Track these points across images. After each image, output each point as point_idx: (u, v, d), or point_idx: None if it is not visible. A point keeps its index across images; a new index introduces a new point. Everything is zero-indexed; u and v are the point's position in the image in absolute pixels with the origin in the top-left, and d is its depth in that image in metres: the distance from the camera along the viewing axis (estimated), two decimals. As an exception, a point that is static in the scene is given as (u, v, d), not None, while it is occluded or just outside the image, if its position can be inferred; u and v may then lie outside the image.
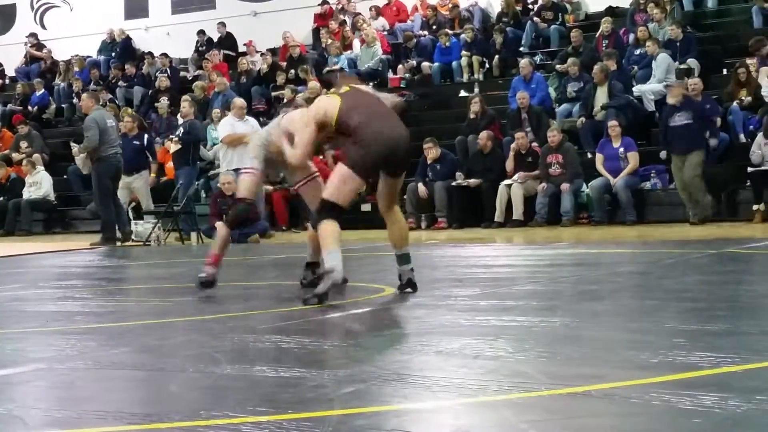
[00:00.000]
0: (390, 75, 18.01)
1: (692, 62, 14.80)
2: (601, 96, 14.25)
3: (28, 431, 2.93)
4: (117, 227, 13.17)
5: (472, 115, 14.95)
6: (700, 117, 12.57)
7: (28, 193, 17.29)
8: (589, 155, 13.80)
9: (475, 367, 3.60)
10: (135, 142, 14.43)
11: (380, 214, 5.86)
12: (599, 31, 16.28)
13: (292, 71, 17.96)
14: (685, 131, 12.44)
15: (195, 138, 14.74)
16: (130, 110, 18.09)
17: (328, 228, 5.33)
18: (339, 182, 5.44)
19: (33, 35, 23.94)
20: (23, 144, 18.55)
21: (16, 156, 18.48)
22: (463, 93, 16.70)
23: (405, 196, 13.96)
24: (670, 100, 12.86)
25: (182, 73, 20.71)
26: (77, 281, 8.22)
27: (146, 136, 14.95)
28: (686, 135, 12.41)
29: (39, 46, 23.79)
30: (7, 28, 25.02)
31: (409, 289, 5.66)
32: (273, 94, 17.65)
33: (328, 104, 5.64)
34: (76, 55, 22.44)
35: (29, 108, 21.10)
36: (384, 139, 5.45)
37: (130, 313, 5.85)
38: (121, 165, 13.15)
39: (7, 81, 23.90)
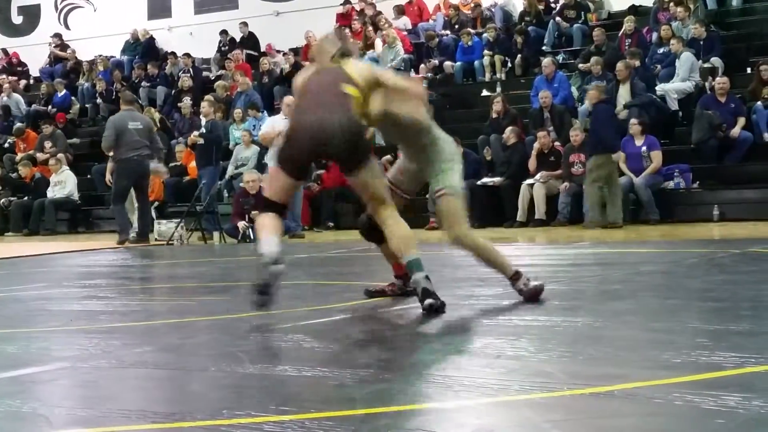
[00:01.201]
0: (412, 74, 18.01)
1: (716, 61, 14.74)
2: (624, 95, 14.20)
3: (53, 430, 2.95)
4: (131, 228, 13.26)
5: (494, 115, 14.95)
6: (604, 121, 12.67)
7: (53, 192, 17.40)
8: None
9: (497, 366, 3.60)
10: None
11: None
12: (622, 29, 16.23)
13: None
14: (592, 134, 12.74)
15: (216, 138, 14.81)
16: (153, 110, 18.19)
17: (259, 220, 5.17)
18: (269, 177, 5.38)
19: (57, 35, 24.08)
20: (47, 144, 18.67)
21: (40, 156, 18.61)
22: (485, 92, 16.69)
23: (427, 196, 13.93)
24: (586, 103, 13.02)
25: (205, 73, 20.78)
26: (101, 280, 8.26)
27: None
28: (593, 138, 12.69)
29: (63, 46, 23.92)
30: (31, 29, 25.17)
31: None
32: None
33: (299, 78, 5.38)
34: (100, 56, 22.55)
35: (51, 108, 21.21)
36: (305, 129, 5.01)
37: (154, 312, 5.88)
38: (145, 166, 13.14)
39: (31, 81, 24.04)
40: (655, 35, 15.89)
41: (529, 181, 13.53)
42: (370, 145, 5.24)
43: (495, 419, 2.88)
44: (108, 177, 13.56)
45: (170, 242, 12.95)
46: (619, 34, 16.27)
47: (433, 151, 5.34)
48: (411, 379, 3.51)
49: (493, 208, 13.74)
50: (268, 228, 5.07)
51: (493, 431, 2.69)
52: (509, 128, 14.09)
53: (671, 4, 16.26)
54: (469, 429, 2.69)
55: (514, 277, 5.31)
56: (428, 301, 4.84)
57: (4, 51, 24.56)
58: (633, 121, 13.27)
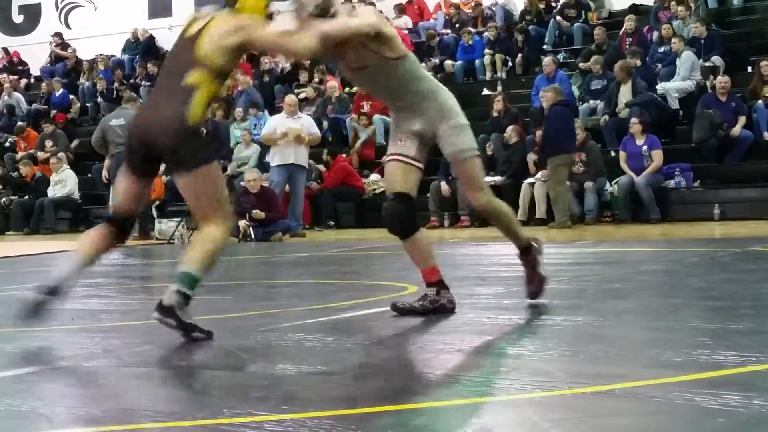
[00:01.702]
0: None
1: (717, 60, 14.74)
2: (625, 94, 14.20)
3: (54, 429, 2.95)
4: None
5: (495, 114, 14.94)
6: (560, 123, 12.73)
7: (53, 191, 17.40)
8: (613, 153, 13.75)
9: (498, 365, 3.60)
10: None
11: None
12: (623, 28, 16.23)
13: (315, 69, 17.99)
14: (548, 136, 12.79)
15: (218, 137, 14.82)
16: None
17: (84, 234, 4.79)
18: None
19: (58, 35, 24.07)
20: (48, 143, 18.67)
21: (41, 155, 18.61)
22: (485, 91, 16.68)
23: (428, 195, 13.96)
24: (544, 104, 13.14)
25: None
26: (102, 279, 8.26)
27: None
28: (549, 140, 12.76)
29: (63, 45, 23.91)
30: (32, 28, 25.16)
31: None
32: (296, 92, 17.68)
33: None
34: (101, 55, 22.55)
35: (52, 107, 21.21)
36: (132, 124, 4.69)
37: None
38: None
39: (32, 80, 24.04)
40: (656, 34, 15.89)
41: (530, 180, 13.53)
42: (205, 149, 4.55)
43: (496, 418, 2.88)
44: (104, 174, 13.67)
45: (171, 241, 12.95)
46: (620, 33, 16.26)
47: (433, 107, 4.88)
48: (412, 377, 3.51)
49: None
50: (79, 246, 4.62)
51: (494, 430, 2.69)
52: (510, 127, 14.09)
53: (672, 2, 16.26)
54: (470, 428, 2.69)
55: (525, 251, 5.17)
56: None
57: (5, 50, 24.56)
58: (634, 120, 13.27)
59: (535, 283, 5.13)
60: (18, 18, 25.46)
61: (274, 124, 13.54)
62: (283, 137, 13.16)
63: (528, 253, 5.15)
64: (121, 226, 4.64)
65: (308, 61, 17.63)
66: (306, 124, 13.68)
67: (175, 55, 4.62)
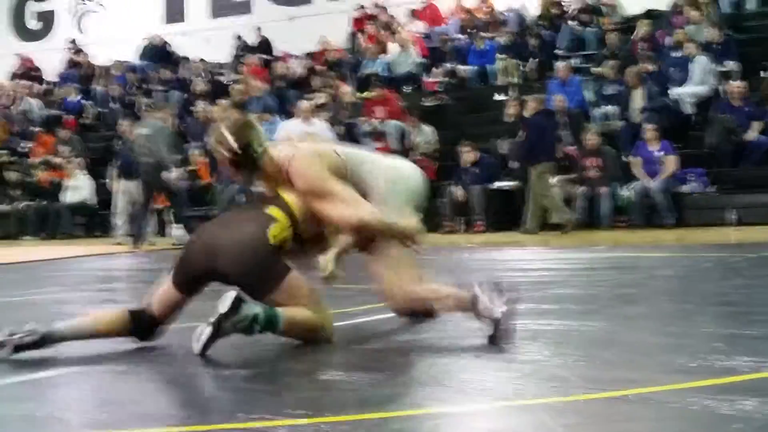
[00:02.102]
0: (426, 78, 18.02)
1: (731, 64, 14.69)
2: (639, 99, 14.18)
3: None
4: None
5: (508, 119, 14.93)
6: (541, 131, 12.95)
7: (69, 196, 17.48)
8: (627, 158, 13.72)
9: (511, 370, 3.60)
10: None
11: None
12: (636, 33, 16.19)
13: (327, 75, 18.01)
14: (529, 145, 13.01)
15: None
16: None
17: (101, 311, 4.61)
18: (159, 283, 4.50)
19: (72, 40, 24.17)
20: (63, 148, 18.74)
21: (56, 160, 18.69)
22: (498, 96, 16.66)
23: (443, 199, 13.96)
24: (525, 114, 13.31)
25: (219, 78, 20.82)
26: (117, 284, 8.29)
27: None
28: (530, 148, 12.98)
29: (78, 51, 24.00)
30: (46, 34, 25.26)
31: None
32: (308, 97, 17.70)
33: None
34: (115, 60, 22.62)
35: (66, 113, 21.28)
36: (201, 240, 4.42)
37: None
38: (145, 171, 13.45)
39: (47, 86, 24.13)
40: (669, 39, 15.85)
41: (544, 185, 13.52)
42: (276, 268, 4.24)
43: (509, 423, 2.88)
44: (108, 183, 13.90)
45: (185, 246, 12.95)
46: (633, 38, 16.23)
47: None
48: (425, 383, 3.51)
49: (507, 213, 13.72)
50: (93, 318, 4.44)
51: (508, 435, 2.69)
52: (521, 133, 14.04)
53: (686, 7, 16.21)
54: (484, 433, 2.69)
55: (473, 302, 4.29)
56: None
57: (20, 56, 24.67)
58: (648, 126, 13.25)
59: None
60: (32, 24, 25.56)
61: (288, 129, 13.55)
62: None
63: (476, 303, 4.29)
64: (144, 326, 4.42)
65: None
66: (320, 129, 13.69)
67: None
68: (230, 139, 4.38)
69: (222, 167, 4.31)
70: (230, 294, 4.11)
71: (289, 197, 4.41)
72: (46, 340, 4.24)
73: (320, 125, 13.98)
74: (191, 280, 4.37)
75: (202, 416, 3.10)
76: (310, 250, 4.48)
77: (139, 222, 13.54)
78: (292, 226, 4.35)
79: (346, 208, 4.34)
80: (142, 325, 4.40)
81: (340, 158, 4.57)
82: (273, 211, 4.35)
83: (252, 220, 4.34)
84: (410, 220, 4.51)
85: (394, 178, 4.65)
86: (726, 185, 13.20)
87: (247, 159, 4.40)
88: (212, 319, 4.09)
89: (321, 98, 16.91)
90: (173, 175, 13.30)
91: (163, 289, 4.41)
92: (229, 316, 4.07)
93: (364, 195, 4.50)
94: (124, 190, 14.56)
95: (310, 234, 4.42)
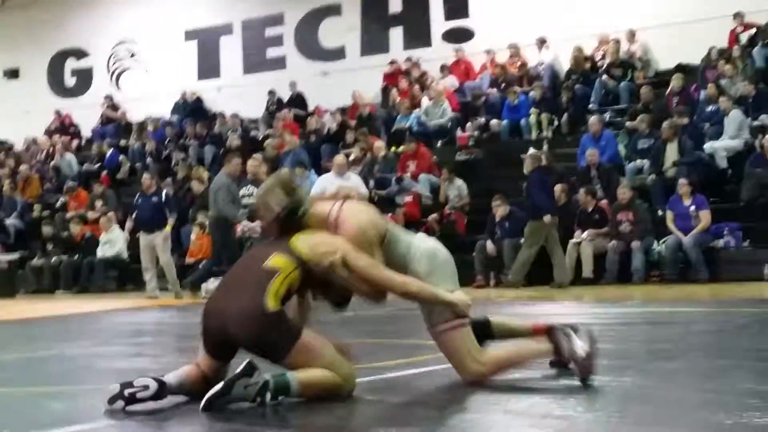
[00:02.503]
0: (459, 133, 18.07)
1: (766, 118, 14.64)
2: (672, 153, 14.15)
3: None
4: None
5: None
6: (539, 187, 13.26)
7: (102, 251, 17.61)
8: (660, 212, 13.67)
9: (544, 426, 3.56)
10: (153, 199, 14.71)
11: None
12: (669, 87, 16.19)
13: (359, 130, 18.10)
14: (529, 200, 13.38)
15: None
16: (201, 169, 18.38)
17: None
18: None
19: (108, 97, 24.48)
20: (98, 203, 18.92)
21: (91, 214, 18.86)
22: (531, 150, 16.66)
23: (473, 254, 13.94)
24: (525, 169, 13.59)
25: (253, 133, 20.98)
26: (149, 338, 8.30)
27: (164, 192, 15.15)
28: (529, 204, 13.39)
29: (114, 107, 24.30)
30: (84, 90, 25.60)
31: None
32: (342, 152, 17.79)
33: None
34: (150, 116, 22.87)
35: (103, 168, 21.50)
36: (209, 313, 4.41)
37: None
38: (210, 224, 13.60)
39: (83, 142, 24.41)
40: (703, 93, 15.83)
41: (576, 239, 13.48)
42: (287, 331, 4.22)
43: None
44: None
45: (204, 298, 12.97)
46: (667, 92, 16.22)
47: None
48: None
49: (540, 267, 13.67)
50: (186, 369, 4.41)
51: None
52: (559, 186, 14.04)
53: (719, 62, 16.21)
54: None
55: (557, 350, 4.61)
56: None
57: (58, 112, 25.01)
58: (682, 181, 13.20)
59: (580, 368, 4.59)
60: (70, 81, 25.92)
61: (324, 184, 13.54)
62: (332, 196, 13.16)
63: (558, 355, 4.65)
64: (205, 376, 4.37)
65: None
66: (355, 183, 13.73)
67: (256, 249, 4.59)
68: (283, 199, 4.39)
69: (263, 226, 4.28)
70: (247, 360, 4.12)
71: (296, 240, 4.36)
72: (159, 395, 4.24)
73: (355, 179, 14.02)
74: (216, 346, 4.35)
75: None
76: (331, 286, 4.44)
77: (200, 273, 13.50)
78: (299, 266, 4.30)
79: (395, 274, 4.39)
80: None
81: (383, 222, 4.61)
82: (274, 260, 4.29)
83: (251, 283, 4.27)
84: (460, 295, 4.52)
85: (434, 258, 4.64)
86: (761, 240, 13.09)
87: (293, 219, 4.43)
88: (224, 380, 4.08)
89: (354, 153, 16.99)
90: (240, 228, 13.16)
91: (202, 357, 4.40)
92: (240, 378, 4.06)
93: (400, 271, 4.51)
94: (146, 245, 14.62)
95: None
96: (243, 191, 13.20)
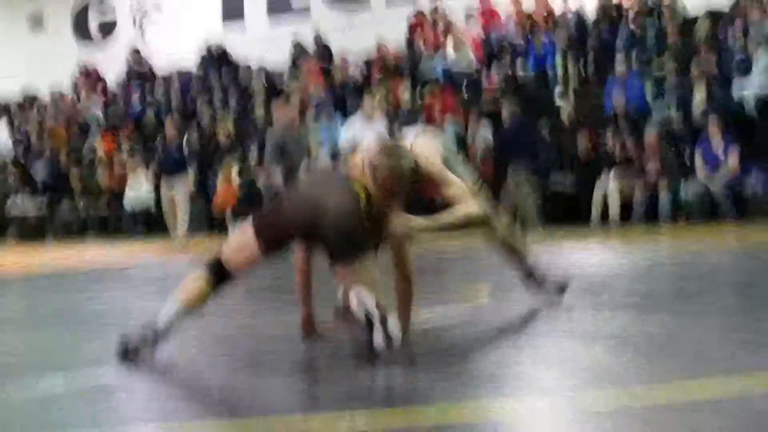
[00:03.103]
0: (484, 80, 17.97)
1: (795, 62, 14.48)
2: (700, 98, 14.02)
3: (125, 425, 3.00)
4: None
5: (566, 121, 14.87)
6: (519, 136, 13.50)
7: (129, 199, 17.73)
8: (687, 156, 13.60)
9: (571, 369, 3.58)
10: (175, 148, 14.81)
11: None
12: (697, 32, 16.00)
13: (384, 77, 18.03)
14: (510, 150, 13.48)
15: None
16: (227, 120, 18.41)
17: (188, 280, 4.34)
18: (237, 240, 4.38)
19: (133, 48, 24.47)
20: (124, 153, 18.99)
21: (118, 164, 18.96)
22: (557, 97, 16.58)
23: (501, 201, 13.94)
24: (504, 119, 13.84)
25: (278, 83, 20.94)
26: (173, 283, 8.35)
27: (186, 142, 15.15)
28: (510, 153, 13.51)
29: (139, 58, 24.29)
30: (109, 43, 25.59)
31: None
32: (368, 99, 17.72)
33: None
34: (176, 67, 22.87)
35: (129, 122, 21.54)
36: (303, 199, 4.34)
37: (228, 317, 5.93)
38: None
39: (109, 93, 24.46)
40: (731, 39, 15.65)
41: (603, 183, 13.45)
42: (367, 245, 4.20)
43: (568, 423, 2.86)
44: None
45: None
46: (694, 37, 16.05)
47: None
48: (483, 381, 3.50)
49: (566, 210, 13.65)
50: (185, 292, 4.30)
51: None
52: (581, 137, 13.98)
53: (749, 7, 15.99)
54: None
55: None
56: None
57: (83, 64, 25.03)
58: (712, 122, 13.08)
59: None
60: (95, 33, 25.92)
61: (353, 129, 13.34)
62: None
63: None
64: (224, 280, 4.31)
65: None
66: (382, 129, 13.68)
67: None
68: (398, 169, 4.27)
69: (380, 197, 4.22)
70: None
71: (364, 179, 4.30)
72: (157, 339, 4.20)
73: (382, 125, 13.96)
74: (283, 234, 4.25)
75: (263, 412, 3.12)
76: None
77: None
78: (367, 206, 4.24)
79: (469, 199, 4.56)
80: (220, 289, 4.30)
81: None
82: (357, 186, 4.24)
83: (346, 190, 4.23)
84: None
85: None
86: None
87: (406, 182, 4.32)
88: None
89: (379, 100, 16.92)
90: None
91: (245, 242, 4.26)
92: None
93: None
94: (166, 193, 14.71)
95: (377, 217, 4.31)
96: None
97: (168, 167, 14.58)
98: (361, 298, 3.94)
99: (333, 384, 3.59)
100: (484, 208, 4.63)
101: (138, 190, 17.66)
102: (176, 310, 4.24)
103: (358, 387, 3.49)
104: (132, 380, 3.88)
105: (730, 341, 4.07)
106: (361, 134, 13.12)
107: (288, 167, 12.61)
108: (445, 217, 4.49)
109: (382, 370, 3.65)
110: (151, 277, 9.75)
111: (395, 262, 4.56)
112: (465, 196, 4.55)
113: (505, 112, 13.59)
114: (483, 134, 15.49)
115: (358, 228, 4.16)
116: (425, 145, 4.79)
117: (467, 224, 4.56)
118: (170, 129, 14.97)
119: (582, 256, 9.66)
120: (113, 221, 17.87)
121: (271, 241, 4.23)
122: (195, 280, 4.28)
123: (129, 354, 4.13)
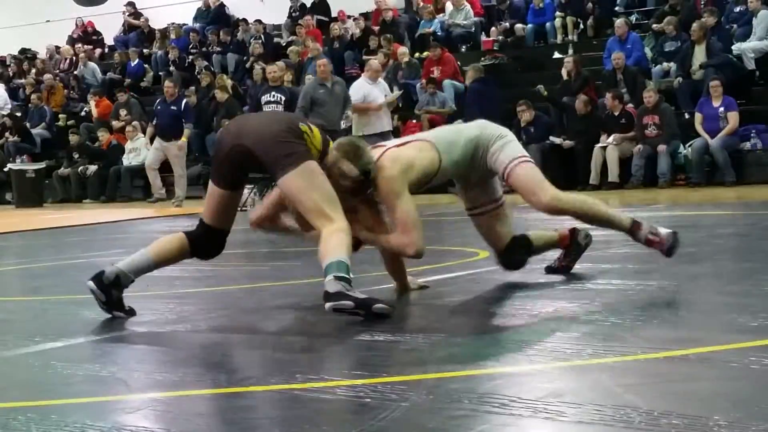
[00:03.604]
0: (483, 37, 17.89)
1: (795, 18, 14.40)
2: (699, 55, 13.96)
3: (131, 393, 3.00)
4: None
5: (566, 77, 14.82)
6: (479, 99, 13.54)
7: (128, 159, 17.68)
8: (686, 116, 13.56)
9: (569, 330, 3.59)
10: (172, 107, 14.64)
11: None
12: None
13: (382, 37, 17.95)
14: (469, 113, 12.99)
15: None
16: (225, 77, 18.32)
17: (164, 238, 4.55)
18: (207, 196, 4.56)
19: (130, 4, 24.30)
20: (122, 112, 18.93)
21: (116, 123, 18.89)
22: (557, 54, 16.51)
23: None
24: (467, 81, 13.95)
25: (276, 40, 20.84)
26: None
27: (184, 101, 15.03)
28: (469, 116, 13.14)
29: (136, 14, 24.14)
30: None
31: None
32: (365, 58, 17.64)
33: None
34: (173, 23, 22.73)
35: (126, 77, 21.45)
36: (228, 129, 4.48)
37: (228, 277, 5.95)
38: None
39: (106, 50, 24.33)
40: (731, -7, 15.57)
41: (602, 143, 13.41)
42: (302, 151, 4.15)
43: (567, 383, 2.87)
44: None
45: (243, 208, 13.00)
46: (694, -8, 15.95)
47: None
48: (483, 343, 3.51)
49: (565, 171, 13.63)
50: (153, 248, 4.44)
51: (565, 395, 2.68)
52: (580, 97, 13.92)
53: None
54: (541, 393, 2.69)
55: (635, 228, 4.72)
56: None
57: (80, 20, 24.86)
58: (714, 82, 13.00)
59: (665, 245, 4.73)
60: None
61: (364, 92, 13.22)
62: (379, 107, 12.99)
63: (639, 229, 4.72)
64: (204, 242, 4.44)
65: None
66: (384, 89, 13.61)
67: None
68: (352, 169, 4.33)
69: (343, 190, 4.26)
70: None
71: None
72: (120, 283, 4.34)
73: (384, 85, 13.86)
74: (224, 167, 4.29)
75: (262, 377, 3.13)
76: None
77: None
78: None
79: (402, 234, 4.40)
80: (200, 242, 4.42)
81: (433, 151, 4.57)
82: (305, 128, 4.25)
83: (284, 120, 4.32)
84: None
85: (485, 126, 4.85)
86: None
87: (367, 180, 4.38)
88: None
89: (378, 58, 16.83)
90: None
91: (209, 194, 4.41)
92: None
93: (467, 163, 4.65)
94: (158, 148, 14.76)
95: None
96: (266, 98, 13.06)
97: (164, 126, 14.55)
98: (339, 299, 3.87)
99: (331, 353, 3.60)
100: (419, 245, 4.41)
101: (138, 152, 17.62)
102: (147, 258, 4.39)
103: (358, 355, 3.50)
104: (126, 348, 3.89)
105: (724, 302, 4.07)
106: (371, 94, 13.04)
107: (318, 120, 12.56)
108: (382, 240, 4.51)
109: (383, 336, 3.65)
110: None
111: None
112: (404, 227, 4.39)
113: (469, 75, 13.47)
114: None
115: (287, 135, 4.13)
116: (396, 158, 4.46)
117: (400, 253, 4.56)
118: (169, 88, 14.88)
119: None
120: (112, 182, 17.83)
121: (219, 175, 4.32)
122: (172, 236, 4.45)
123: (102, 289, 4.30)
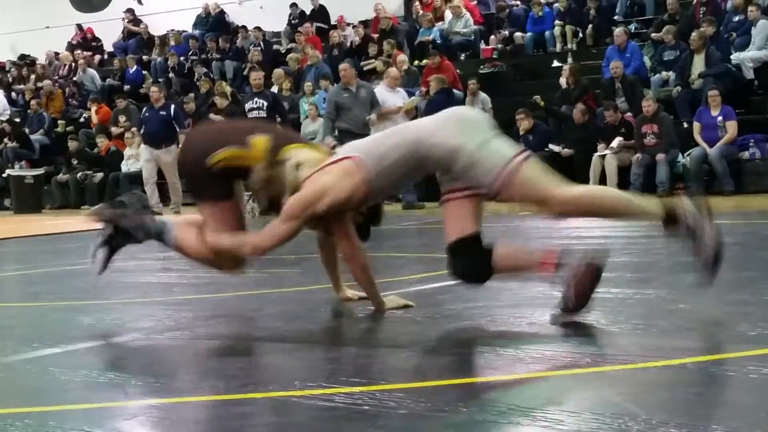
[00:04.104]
0: (482, 46, 17.91)
1: (794, 28, 14.42)
2: (698, 64, 13.97)
3: (129, 399, 3.00)
4: None
5: (564, 86, 14.83)
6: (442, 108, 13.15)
7: (127, 166, 17.67)
8: (685, 125, 13.56)
9: (568, 339, 3.59)
10: (161, 113, 14.53)
11: None
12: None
13: (384, 43, 17.96)
14: None
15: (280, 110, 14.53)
16: (224, 84, 18.31)
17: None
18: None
19: (130, 11, 24.32)
20: (122, 118, 18.93)
21: (114, 130, 18.88)
22: (556, 63, 16.53)
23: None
24: (431, 92, 13.79)
25: (275, 47, 20.85)
26: (175, 253, 8.34)
27: (173, 107, 14.92)
28: None
29: (136, 21, 24.16)
30: (105, 4, 25.43)
31: None
32: (364, 66, 17.67)
33: None
34: (172, 30, 22.74)
35: (125, 83, 21.46)
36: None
37: (227, 284, 5.93)
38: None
39: (105, 56, 24.34)
40: (730, 3, 15.58)
41: (601, 152, 13.41)
42: (215, 192, 4.33)
43: (566, 392, 2.87)
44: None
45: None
46: (693, 2, 15.97)
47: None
48: (481, 351, 3.51)
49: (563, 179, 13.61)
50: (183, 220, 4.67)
51: (564, 404, 2.68)
52: (578, 106, 13.93)
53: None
54: (540, 401, 2.69)
55: (669, 222, 4.23)
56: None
57: (79, 27, 24.88)
58: (712, 91, 13.00)
59: (704, 251, 4.17)
60: (92, -5, 25.74)
61: (383, 100, 13.19)
62: (398, 111, 13.00)
63: (674, 223, 4.23)
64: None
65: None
66: (405, 97, 13.64)
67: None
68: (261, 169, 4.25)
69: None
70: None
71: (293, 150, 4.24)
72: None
73: (403, 93, 13.85)
74: (195, 177, 4.43)
75: (259, 384, 3.12)
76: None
77: None
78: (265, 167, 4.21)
79: (256, 236, 4.30)
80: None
81: (357, 175, 4.08)
82: (256, 140, 4.24)
83: (230, 135, 4.31)
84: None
85: (433, 121, 4.27)
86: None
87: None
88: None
89: (377, 66, 16.85)
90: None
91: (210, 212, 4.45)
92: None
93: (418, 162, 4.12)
94: (149, 158, 14.68)
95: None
96: (249, 104, 13.07)
97: (153, 133, 14.41)
98: None
99: (329, 361, 3.60)
100: (257, 251, 4.28)
101: (136, 159, 17.60)
102: (172, 229, 4.56)
103: (351, 364, 3.50)
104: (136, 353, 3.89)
105: (723, 311, 4.07)
106: (389, 102, 13.05)
107: (344, 125, 12.60)
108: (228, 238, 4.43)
109: (381, 344, 3.66)
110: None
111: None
112: (265, 235, 4.24)
113: (432, 86, 13.60)
114: (481, 101, 15.44)
115: (195, 164, 4.28)
116: (313, 185, 4.08)
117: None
118: (155, 93, 14.78)
119: (579, 227, 9.64)
120: (111, 189, 17.80)
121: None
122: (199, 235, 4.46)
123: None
